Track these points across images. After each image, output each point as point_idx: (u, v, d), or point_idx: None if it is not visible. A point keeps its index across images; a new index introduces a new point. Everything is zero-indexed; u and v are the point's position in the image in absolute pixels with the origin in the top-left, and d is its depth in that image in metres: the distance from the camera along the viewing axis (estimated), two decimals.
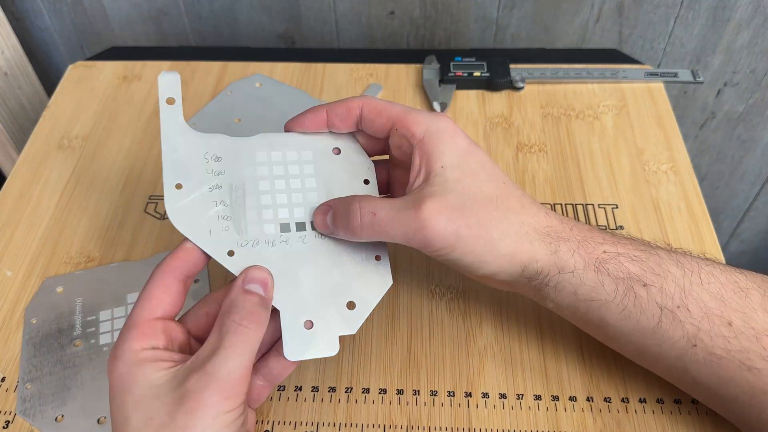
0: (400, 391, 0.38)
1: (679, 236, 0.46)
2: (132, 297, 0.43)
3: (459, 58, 0.58)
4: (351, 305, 0.34)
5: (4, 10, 0.70)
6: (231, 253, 0.33)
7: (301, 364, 0.40)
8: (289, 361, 0.33)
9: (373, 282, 0.35)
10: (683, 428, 0.36)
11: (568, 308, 0.35)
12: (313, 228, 0.35)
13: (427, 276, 0.44)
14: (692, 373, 0.33)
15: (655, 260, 0.34)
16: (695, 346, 0.32)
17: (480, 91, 0.57)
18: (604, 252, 0.34)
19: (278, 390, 0.39)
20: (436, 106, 0.55)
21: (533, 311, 0.42)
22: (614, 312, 0.33)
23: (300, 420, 0.37)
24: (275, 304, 0.33)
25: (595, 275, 0.34)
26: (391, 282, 0.35)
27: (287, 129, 0.38)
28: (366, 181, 0.37)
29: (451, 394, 0.38)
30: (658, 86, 0.57)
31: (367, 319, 0.34)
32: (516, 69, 0.57)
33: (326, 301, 0.34)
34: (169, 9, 0.71)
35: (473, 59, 0.58)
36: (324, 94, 0.57)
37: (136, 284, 0.43)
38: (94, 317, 0.42)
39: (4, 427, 0.38)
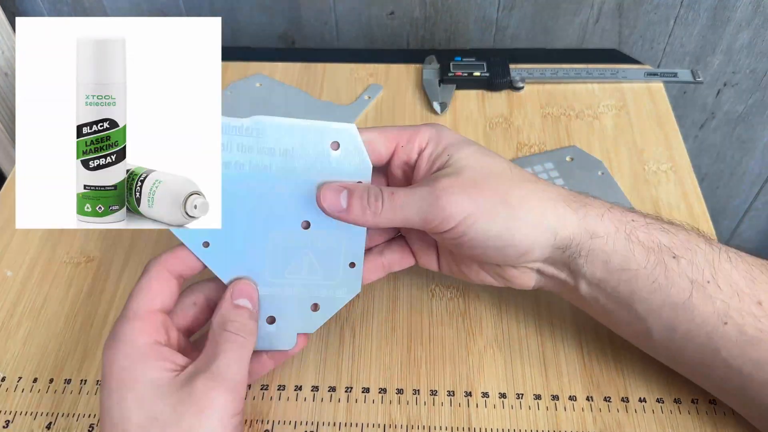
0: (400, 391, 0.38)
1: None
2: None
3: (459, 58, 0.58)
4: (315, 307, 0.35)
5: (4, 10, 0.70)
6: (206, 245, 0.34)
7: (300, 364, 0.40)
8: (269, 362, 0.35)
9: (341, 287, 0.36)
10: (683, 428, 0.36)
11: (598, 286, 0.34)
12: (306, 227, 0.34)
13: (427, 276, 0.44)
14: (723, 354, 0.32)
15: (683, 235, 0.34)
16: (726, 324, 0.32)
17: (480, 91, 0.57)
18: (633, 220, 0.34)
19: (278, 390, 0.39)
20: (436, 106, 0.55)
21: (533, 311, 0.42)
22: (645, 284, 0.33)
23: (300, 420, 0.37)
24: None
25: (626, 243, 0.33)
26: (359, 290, 0.36)
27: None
28: (359, 182, 0.35)
29: (451, 393, 0.38)
30: (658, 86, 0.57)
31: (330, 319, 0.36)
32: (516, 69, 0.57)
33: (292, 299, 0.35)
34: (169, 9, 0.71)
35: (473, 59, 0.58)
36: (324, 94, 0.57)
37: None
38: None
39: (4, 427, 0.38)
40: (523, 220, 0.33)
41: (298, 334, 0.36)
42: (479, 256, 0.34)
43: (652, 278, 0.33)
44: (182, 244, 0.34)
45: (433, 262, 0.38)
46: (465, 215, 0.32)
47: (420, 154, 0.35)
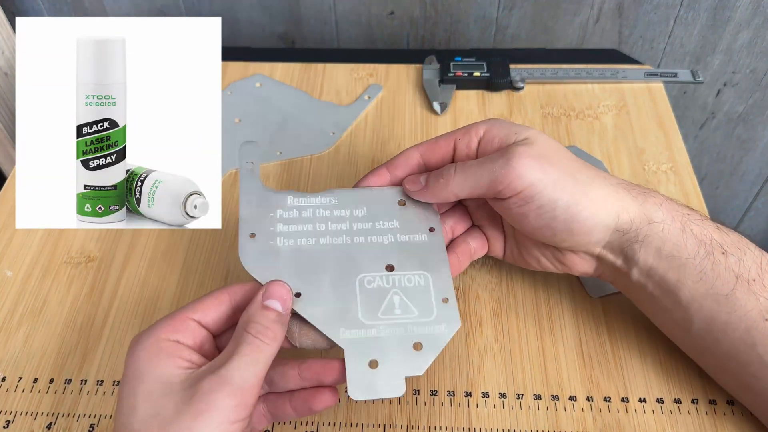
0: None
1: None
2: None
3: (459, 58, 0.58)
4: (417, 346, 0.33)
5: (4, 10, 0.70)
6: (298, 295, 0.34)
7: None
8: (324, 402, 0.33)
9: (440, 323, 0.34)
10: (683, 428, 0.37)
11: (647, 273, 0.35)
12: (391, 270, 0.36)
13: None
14: (759, 350, 0.32)
15: (735, 236, 0.35)
16: (767, 320, 0.32)
17: (480, 91, 0.57)
18: (688, 214, 0.35)
19: None
20: (436, 106, 0.55)
21: (533, 311, 0.42)
22: (692, 273, 0.34)
23: (300, 420, 0.37)
24: (342, 344, 0.33)
25: (680, 233, 0.34)
26: (459, 324, 0.34)
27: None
28: (431, 229, 0.38)
29: (451, 393, 0.38)
30: (658, 86, 0.57)
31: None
32: (516, 69, 0.57)
33: (392, 341, 0.33)
34: (169, 9, 0.71)
35: (473, 59, 0.58)
36: (324, 94, 0.57)
37: None
38: None
39: (4, 427, 0.38)
40: (589, 197, 0.34)
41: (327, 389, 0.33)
42: (544, 230, 0.35)
43: (699, 268, 0.34)
44: (255, 281, 0.34)
45: (500, 249, 0.41)
46: (535, 180, 0.34)
47: (480, 141, 0.37)
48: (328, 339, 0.33)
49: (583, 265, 0.37)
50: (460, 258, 0.40)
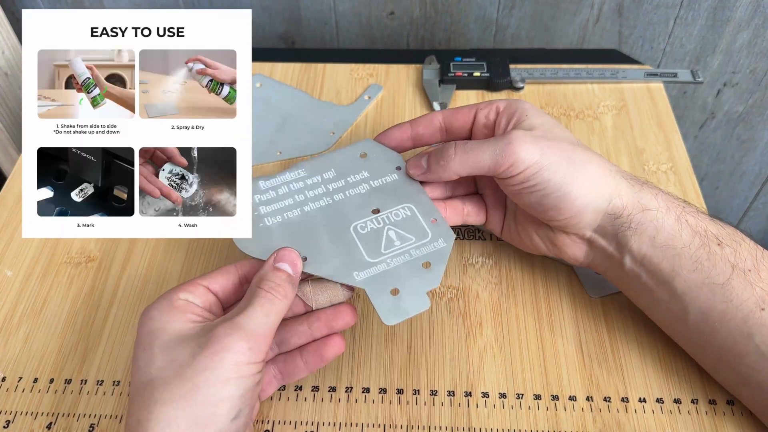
0: (400, 391, 0.39)
1: None
2: None
3: (459, 59, 0.58)
4: (426, 264, 0.37)
5: (4, 10, 0.70)
6: (305, 259, 0.36)
7: None
8: (335, 349, 0.35)
9: (437, 239, 0.38)
10: (683, 428, 0.37)
11: (641, 262, 0.35)
12: (377, 212, 0.39)
13: None
14: (756, 340, 0.33)
15: (731, 229, 0.36)
16: (763, 310, 0.32)
17: (480, 91, 0.57)
18: (684, 205, 0.36)
19: (278, 390, 0.39)
20: (436, 106, 0.55)
21: (533, 311, 0.42)
22: (687, 263, 0.34)
23: (300, 420, 0.37)
24: (360, 285, 0.35)
25: (675, 223, 0.35)
26: (454, 236, 0.38)
27: (377, 140, 0.42)
28: (398, 168, 0.41)
29: (451, 393, 0.38)
30: (657, 86, 0.57)
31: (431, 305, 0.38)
32: (516, 69, 0.57)
33: (403, 268, 0.36)
34: (169, 9, 0.71)
35: (473, 59, 0.58)
36: (324, 94, 0.57)
37: None
38: None
39: (4, 427, 0.38)
40: (582, 179, 0.35)
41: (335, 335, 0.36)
42: (536, 206, 0.36)
43: (694, 258, 0.34)
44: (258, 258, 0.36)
45: (498, 223, 0.42)
46: (532, 162, 0.35)
47: (498, 114, 0.39)
48: (343, 291, 0.36)
49: (573, 249, 0.38)
50: (448, 212, 0.41)
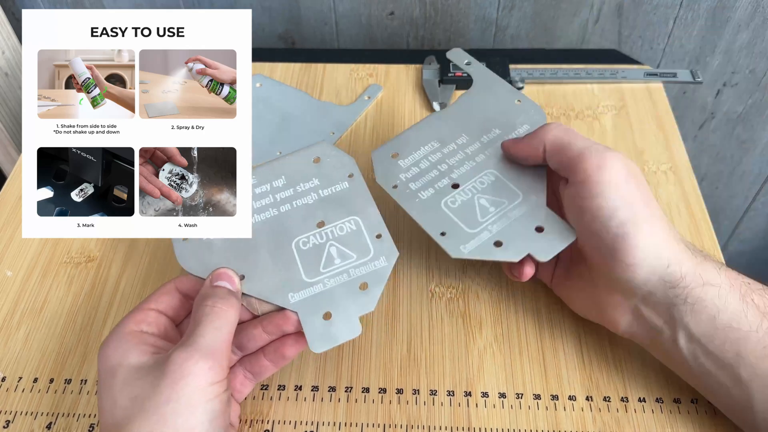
0: (399, 391, 0.39)
1: None
2: None
3: None
4: (363, 286, 0.36)
5: (4, 10, 0.70)
6: (242, 278, 0.36)
7: (300, 364, 0.40)
8: (286, 357, 0.35)
9: (378, 258, 0.36)
10: (682, 427, 0.37)
11: (699, 341, 0.32)
12: (321, 225, 0.37)
13: (427, 276, 0.44)
14: None
15: None
16: None
17: None
18: (749, 283, 0.33)
19: (278, 390, 0.39)
20: (436, 106, 0.55)
21: (533, 311, 0.42)
22: (755, 348, 0.31)
23: (300, 420, 0.37)
24: (293, 308, 0.35)
25: (740, 302, 0.32)
26: (397, 253, 0.37)
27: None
28: (350, 175, 0.39)
29: (451, 393, 0.38)
30: (657, 86, 0.57)
31: (379, 299, 0.35)
32: (516, 69, 0.57)
33: (339, 289, 0.35)
34: (169, 8, 0.71)
35: None
36: (324, 95, 0.57)
37: None
38: None
39: (4, 427, 0.38)
40: (649, 230, 0.33)
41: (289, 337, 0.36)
42: (592, 236, 0.34)
43: (763, 343, 0.31)
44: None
45: (548, 275, 0.41)
46: (612, 180, 0.33)
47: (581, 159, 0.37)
48: None
49: (616, 313, 0.35)
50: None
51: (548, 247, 0.36)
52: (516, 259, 0.36)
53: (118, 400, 0.29)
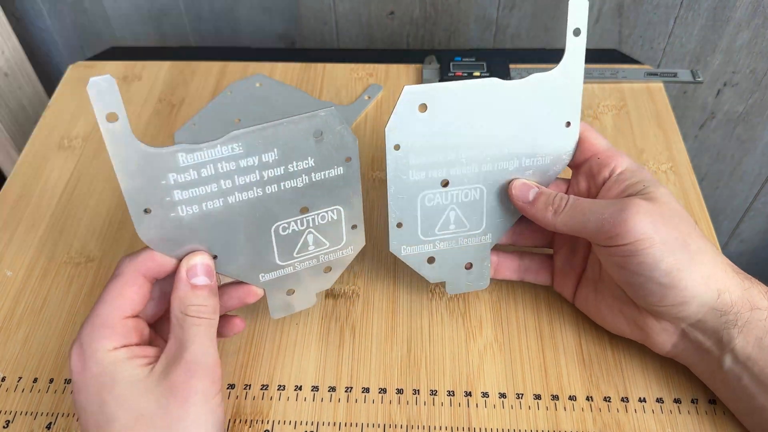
0: (399, 391, 0.39)
1: None
2: None
3: (459, 58, 0.58)
4: (327, 269, 0.39)
5: (4, 10, 0.70)
6: (215, 257, 0.35)
7: (301, 364, 0.40)
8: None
9: (347, 247, 0.38)
10: (683, 428, 0.37)
11: (745, 363, 0.33)
12: (305, 211, 0.35)
13: None
14: None
15: None
16: None
17: None
18: None
19: (278, 390, 0.39)
20: None
21: (533, 311, 0.42)
22: None
23: (300, 420, 0.37)
24: (262, 286, 0.37)
25: None
26: (363, 243, 0.38)
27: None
28: (348, 159, 0.35)
29: (451, 393, 0.38)
30: (657, 86, 0.57)
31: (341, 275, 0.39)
32: (516, 69, 0.57)
33: (306, 272, 0.38)
34: (169, 9, 0.71)
35: (473, 59, 0.58)
36: (324, 94, 0.57)
37: None
38: None
39: (4, 427, 0.38)
40: (695, 267, 0.32)
41: (236, 317, 0.37)
42: (637, 288, 0.34)
43: None
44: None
45: (569, 290, 0.40)
46: (644, 237, 0.32)
47: (611, 175, 0.36)
48: None
49: (661, 337, 0.35)
50: (500, 264, 0.41)
51: (460, 285, 0.40)
52: (432, 281, 0.40)
53: (119, 416, 0.29)
